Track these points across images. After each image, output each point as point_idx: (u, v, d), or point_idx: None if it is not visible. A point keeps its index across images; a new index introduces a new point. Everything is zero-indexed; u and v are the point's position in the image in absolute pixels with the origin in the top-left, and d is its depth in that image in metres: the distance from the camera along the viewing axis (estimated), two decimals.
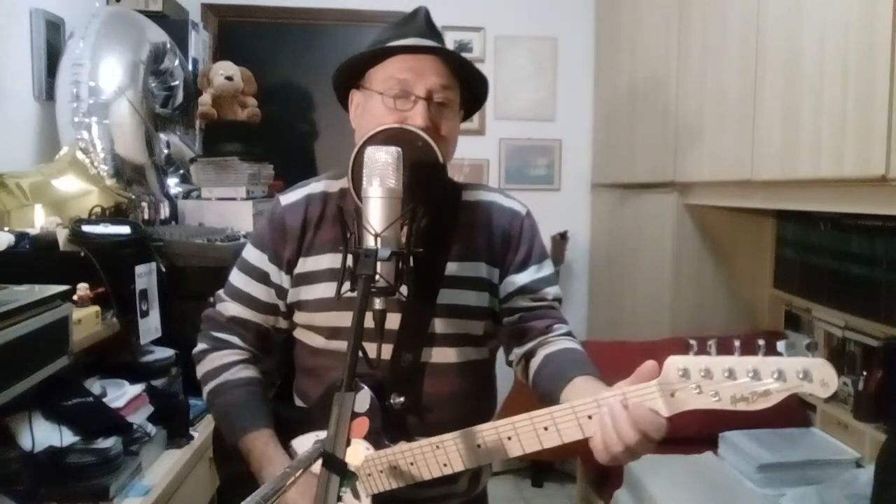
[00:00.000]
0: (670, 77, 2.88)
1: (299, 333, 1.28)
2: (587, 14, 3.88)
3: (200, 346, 1.30)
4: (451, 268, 1.20)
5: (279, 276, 1.24)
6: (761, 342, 0.80)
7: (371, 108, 1.17)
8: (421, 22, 1.22)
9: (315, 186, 1.26)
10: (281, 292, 1.25)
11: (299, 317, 1.26)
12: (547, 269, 1.27)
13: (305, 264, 1.23)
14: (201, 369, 1.28)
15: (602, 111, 3.83)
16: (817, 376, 0.78)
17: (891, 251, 2.21)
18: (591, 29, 3.89)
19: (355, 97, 1.24)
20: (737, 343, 0.81)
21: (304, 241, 1.23)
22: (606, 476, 2.50)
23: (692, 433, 2.41)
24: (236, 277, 1.29)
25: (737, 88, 2.33)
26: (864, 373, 2.25)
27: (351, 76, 1.22)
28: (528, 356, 1.22)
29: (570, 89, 3.93)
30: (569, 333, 1.23)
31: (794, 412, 2.49)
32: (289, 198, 1.26)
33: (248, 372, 1.26)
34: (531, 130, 3.93)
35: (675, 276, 2.90)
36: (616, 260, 3.58)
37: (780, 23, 2.07)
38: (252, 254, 1.27)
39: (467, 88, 1.22)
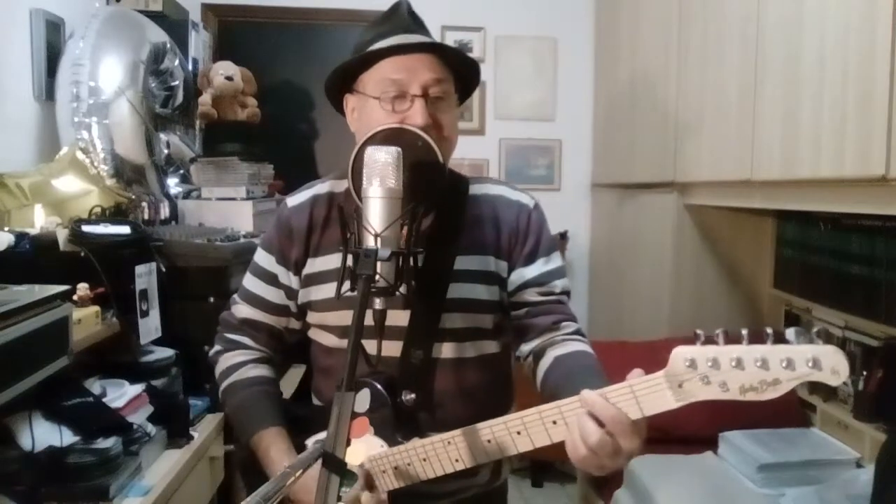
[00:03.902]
0: (670, 77, 2.88)
1: (314, 333, 1.29)
2: (587, 14, 3.89)
3: (215, 349, 1.32)
4: (460, 262, 1.19)
5: (287, 278, 1.25)
6: (769, 331, 0.78)
7: (369, 113, 1.16)
8: (404, 16, 1.19)
9: (321, 187, 1.26)
10: (290, 293, 1.25)
11: (312, 317, 1.26)
12: (555, 261, 1.27)
13: (314, 265, 1.23)
14: (217, 371, 1.30)
15: (602, 111, 3.83)
16: (827, 364, 0.76)
17: (891, 251, 2.20)
18: (591, 29, 3.89)
19: (350, 101, 1.23)
20: (744, 332, 0.79)
21: (310, 241, 1.23)
22: (606, 476, 2.49)
23: (692, 433, 2.41)
24: (248, 280, 1.30)
25: (737, 88, 2.33)
26: (864, 373, 2.24)
27: (343, 82, 1.21)
28: (537, 356, 1.21)
29: (570, 89, 3.93)
30: (578, 332, 1.23)
31: (793, 412, 2.49)
32: (295, 199, 1.27)
33: (257, 371, 1.26)
34: (531, 130, 3.93)
35: (675, 276, 2.90)
36: (616, 260, 3.58)
37: (780, 23, 2.07)
38: (261, 256, 1.28)
39: (459, 77, 1.21)
